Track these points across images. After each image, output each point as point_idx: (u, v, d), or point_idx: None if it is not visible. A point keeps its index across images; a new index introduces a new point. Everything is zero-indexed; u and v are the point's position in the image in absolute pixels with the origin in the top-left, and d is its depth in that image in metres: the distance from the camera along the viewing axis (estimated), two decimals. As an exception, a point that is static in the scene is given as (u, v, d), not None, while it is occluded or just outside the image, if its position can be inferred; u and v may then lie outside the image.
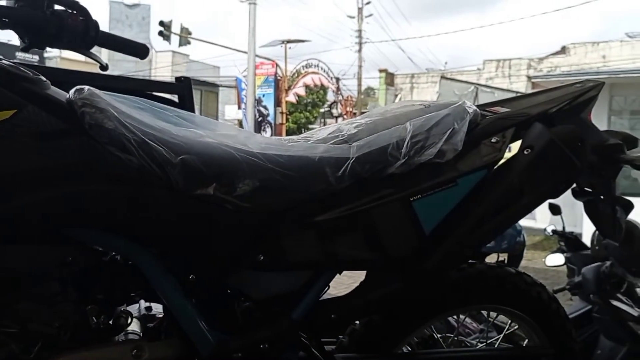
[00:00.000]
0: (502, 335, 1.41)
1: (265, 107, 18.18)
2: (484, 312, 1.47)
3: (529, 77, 14.34)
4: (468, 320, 2.10)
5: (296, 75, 19.24)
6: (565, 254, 3.40)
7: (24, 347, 0.97)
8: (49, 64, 16.57)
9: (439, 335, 1.37)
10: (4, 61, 0.95)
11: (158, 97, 1.61)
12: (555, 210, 3.47)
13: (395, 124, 1.09)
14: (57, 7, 1.18)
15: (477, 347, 1.46)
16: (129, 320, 1.08)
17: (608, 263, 2.73)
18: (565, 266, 3.41)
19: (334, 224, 1.05)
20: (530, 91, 1.56)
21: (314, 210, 1.04)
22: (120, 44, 1.32)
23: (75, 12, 1.19)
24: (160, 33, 16.33)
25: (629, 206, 1.28)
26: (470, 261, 1.27)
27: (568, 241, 3.44)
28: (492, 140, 1.13)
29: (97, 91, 0.98)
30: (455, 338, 1.41)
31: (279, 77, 18.36)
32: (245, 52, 16.40)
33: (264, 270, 1.06)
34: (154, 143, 0.96)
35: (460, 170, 1.09)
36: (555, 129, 1.14)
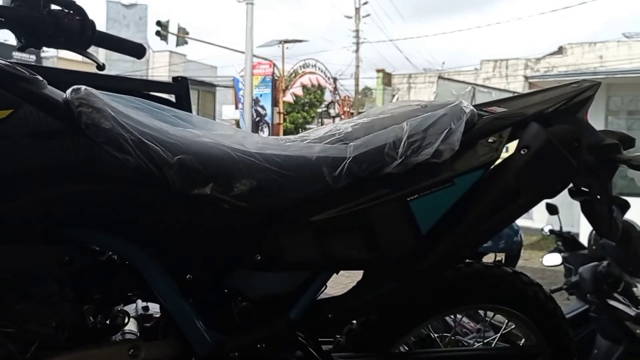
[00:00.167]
0: (499, 335, 1.42)
1: (262, 107, 18.17)
2: (481, 312, 1.48)
3: (526, 78, 14.36)
4: (465, 319, 2.11)
5: (293, 75, 19.24)
6: (562, 254, 3.41)
7: (21, 347, 0.97)
8: (46, 63, 16.54)
9: (436, 335, 1.37)
10: (0, 61, 0.95)
11: (155, 97, 1.60)
12: (552, 210, 3.47)
13: (392, 123, 1.09)
14: (53, 6, 1.18)
15: (474, 346, 1.47)
16: (126, 320, 1.08)
17: (605, 263, 2.74)
18: (562, 266, 3.42)
19: (331, 224, 1.05)
20: (527, 91, 1.56)
21: (311, 210, 1.04)
22: (117, 44, 1.32)
23: (71, 11, 1.19)
24: (158, 33, 16.31)
25: (626, 206, 1.29)
26: (467, 261, 1.27)
27: (565, 241, 3.45)
28: (489, 140, 1.13)
29: (94, 91, 0.98)
30: (453, 337, 1.41)
31: (276, 77, 18.35)
32: (242, 52, 16.38)
33: (261, 270, 1.06)
34: (151, 143, 0.96)
35: (457, 170, 1.09)
36: (552, 128, 1.14)
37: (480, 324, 1.91)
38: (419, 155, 1.06)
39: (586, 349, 2.76)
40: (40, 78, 0.98)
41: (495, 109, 1.20)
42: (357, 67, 23.68)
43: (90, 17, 1.23)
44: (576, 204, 1.28)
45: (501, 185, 1.10)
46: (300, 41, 20.20)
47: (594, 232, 2.85)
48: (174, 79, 1.75)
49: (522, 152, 1.11)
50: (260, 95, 18.06)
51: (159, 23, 16.36)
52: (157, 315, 1.14)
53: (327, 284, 1.14)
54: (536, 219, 7.45)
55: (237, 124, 16.85)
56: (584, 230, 4.97)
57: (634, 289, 2.74)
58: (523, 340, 1.39)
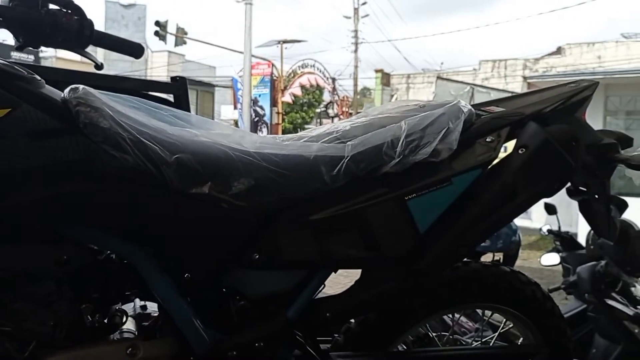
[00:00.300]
0: (497, 334, 1.42)
1: (261, 107, 18.16)
2: (479, 311, 1.48)
3: (525, 78, 14.37)
4: (463, 319, 2.11)
5: (292, 75, 19.23)
6: (560, 254, 3.41)
7: (19, 346, 0.96)
8: (44, 64, 16.52)
9: (434, 334, 1.37)
10: (-2, 60, 0.95)
11: (154, 96, 1.60)
12: (550, 210, 3.47)
13: (390, 123, 1.10)
14: (51, 6, 1.18)
15: (472, 345, 1.47)
16: (124, 319, 1.08)
17: (603, 262, 2.74)
18: (560, 266, 3.42)
19: (329, 223, 1.05)
20: (525, 91, 1.57)
21: (309, 209, 1.04)
22: (115, 43, 1.32)
23: (69, 11, 1.19)
24: (156, 33, 16.30)
25: (623, 205, 1.29)
26: (465, 260, 1.27)
27: (563, 241, 3.45)
28: (487, 140, 1.13)
29: (92, 90, 0.98)
30: (451, 337, 1.41)
31: (275, 77, 18.34)
32: (241, 52, 16.38)
33: (259, 269, 1.07)
34: (149, 142, 0.96)
35: (455, 170, 1.09)
36: (550, 128, 1.14)
37: (478, 323, 1.91)
38: (417, 154, 1.06)
39: (584, 348, 2.76)
40: (38, 77, 0.98)
41: (494, 109, 1.20)
42: (356, 67, 23.70)
43: (89, 16, 1.23)
44: (575, 204, 1.28)
45: (499, 184, 1.10)
46: (299, 41, 20.19)
47: (592, 231, 2.85)
48: (173, 78, 1.75)
49: (520, 151, 1.12)
50: (259, 96, 18.05)
51: (157, 23, 16.35)
52: (155, 315, 1.14)
53: (326, 284, 1.14)
54: (535, 218, 7.46)
55: (236, 124, 16.84)
56: (582, 230, 4.97)
57: (632, 289, 2.75)
58: (521, 339, 1.40)
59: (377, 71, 19.16)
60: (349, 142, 1.07)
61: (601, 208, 1.23)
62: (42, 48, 1.24)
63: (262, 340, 1.08)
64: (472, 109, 1.16)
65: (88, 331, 1.03)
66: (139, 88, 1.69)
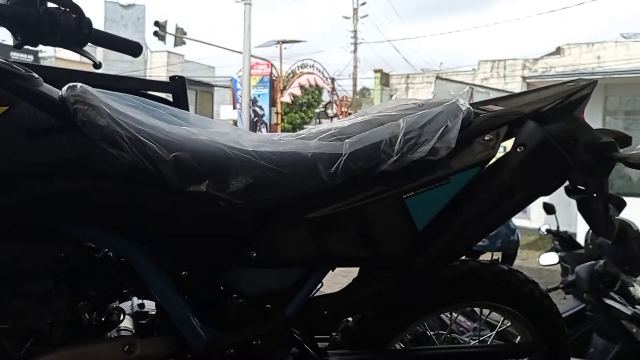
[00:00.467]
0: (494, 333, 1.42)
1: (260, 107, 18.16)
2: (477, 310, 1.48)
3: (524, 78, 14.37)
4: (462, 318, 2.11)
5: (291, 75, 19.23)
6: (559, 253, 3.42)
7: (16, 344, 0.96)
8: (44, 64, 16.51)
9: (431, 333, 1.37)
10: (-4, 58, 0.95)
11: (152, 96, 1.60)
12: (549, 209, 3.48)
13: (388, 121, 1.10)
14: (50, 4, 1.18)
15: (470, 344, 1.47)
16: (122, 317, 1.08)
17: (602, 262, 2.75)
18: (559, 265, 3.43)
19: (326, 221, 1.05)
20: (524, 90, 1.57)
21: (307, 207, 1.04)
22: (113, 42, 1.31)
23: (68, 9, 1.19)
24: (156, 33, 16.30)
25: (622, 204, 1.30)
26: (463, 258, 1.28)
27: (562, 240, 3.46)
28: (485, 138, 1.13)
29: (90, 88, 0.98)
30: (448, 335, 1.41)
31: (274, 78, 18.33)
32: (240, 53, 16.38)
33: (257, 267, 1.06)
34: (147, 140, 0.96)
35: (453, 168, 1.09)
36: (548, 127, 1.14)
37: (476, 322, 1.91)
38: (415, 152, 1.06)
39: (582, 347, 2.77)
40: (36, 75, 0.98)
41: (492, 107, 1.20)
42: (355, 67, 23.70)
43: (87, 15, 1.23)
44: (573, 204, 1.28)
45: (497, 182, 1.10)
46: (298, 41, 20.19)
47: (590, 231, 2.86)
48: (171, 78, 1.75)
49: (518, 150, 1.12)
50: (258, 96, 18.05)
51: (156, 23, 16.35)
52: (153, 313, 1.14)
53: (325, 283, 1.14)
54: (533, 218, 7.47)
55: (235, 124, 16.82)
56: (581, 230, 4.98)
57: (630, 288, 2.75)
58: (519, 337, 1.40)
59: (376, 71, 19.16)
60: (346, 140, 1.07)
61: (599, 207, 1.23)
62: (42, 48, 1.24)
63: (259, 339, 1.08)
64: (471, 108, 1.16)
65: (85, 329, 1.02)
66: (137, 87, 1.69)
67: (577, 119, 1.20)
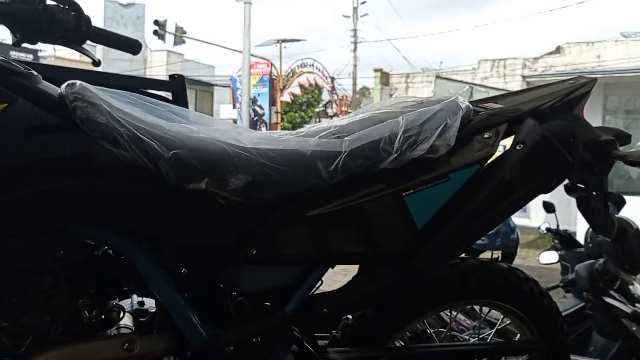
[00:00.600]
0: (494, 330, 1.42)
1: (260, 107, 18.16)
2: (477, 308, 1.48)
3: (524, 77, 14.36)
4: (461, 317, 2.11)
5: (291, 74, 19.23)
6: (559, 252, 3.42)
7: (16, 341, 0.96)
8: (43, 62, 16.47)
9: (431, 331, 1.37)
10: (-5, 55, 0.94)
11: (152, 94, 1.60)
12: (549, 208, 3.48)
13: (388, 118, 1.10)
14: (48, 2, 1.18)
15: (470, 341, 1.47)
16: (121, 315, 1.08)
17: (601, 260, 2.75)
18: (559, 264, 3.43)
19: (326, 219, 1.05)
20: (523, 88, 1.57)
21: (306, 204, 1.04)
22: (112, 39, 1.31)
23: (66, 7, 1.19)
24: (155, 32, 16.29)
25: (621, 202, 1.29)
26: (462, 256, 1.27)
27: (562, 239, 3.46)
28: (485, 136, 1.13)
29: (89, 86, 0.98)
30: (448, 333, 1.41)
31: (273, 77, 18.34)
32: (240, 52, 16.37)
33: (257, 265, 1.06)
34: (146, 137, 0.96)
35: (452, 166, 1.09)
36: (548, 124, 1.14)
37: (476, 321, 1.92)
38: (414, 150, 1.06)
39: (582, 346, 2.77)
40: (35, 73, 0.98)
41: (492, 105, 1.20)
42: (355, 66, 23.69)
43: (86, 12, 1.23)
44: (573, 203, 1.28)
45: (497, 180, 1.10)
46: (297, 40, 20.20)
47: (590, 230, 2.86)
48: (171, 76, 1.75)
49: (517, 147, 1.12)
50: (258, 95, 18.05)
51: (156, 22, 16.35)
52: (153, 310, 1.14)
53: (325, 282, 1.15)
54: (533, 217, 7.47)
55: (235, 123, 16.81)
56: (580, 229, 4.98)
57: (630, 287, 2.75)
58: (518, 335, 1.40)
59: (376, 70, 19.13)
60: (346, 138, 1.07)
61: (599, 205, 1.23)
62: (41, 47, 1.25)
63: (259, 336, 1.08)
64: (470, 106, 1.16)
65: (85, 327, 1.02)
66: (137, 86, 1.69)
67: (576, 117, 1.20)
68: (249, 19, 15.38)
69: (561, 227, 3.50)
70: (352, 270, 1.16)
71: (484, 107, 1.19)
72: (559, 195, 1.25)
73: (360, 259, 1.11)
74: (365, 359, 1.22)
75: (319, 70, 19.76)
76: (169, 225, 1.01)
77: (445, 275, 1.25)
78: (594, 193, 1.23)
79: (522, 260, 5.99)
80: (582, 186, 1.24)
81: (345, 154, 1.04)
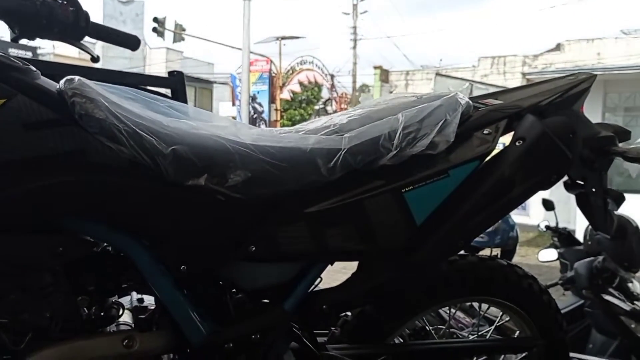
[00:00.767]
0: (493, 327, 1.42)
1: (259, 104, 18.16)
2: (476, 305, 1.48)
3: (524, 74, 14.35)
4: (460, 314, 2.12)
5: (291, 72, 19.22)
6: (558, 250, 3.42)
7: (15, 338, 0.96)
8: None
9: (430, 328, 1.37)
10: (-7, 52, 0.94)
11: (151, 91, 1.60)
12: (548, 205, 3.48)
13: (387, 115, 1.09)
14: (47, -3, 1.17)
15: (469, 338, 1.47)
16: (121, 312, 1.08)
17: (600, 258, 2.75)
18: (558, 262, 3.43)
19: (325, 215, 1.04)
20: (523, 84, 1.57)
21: (306, 201, 1.04)
22: (111, 35, 1.31)
23: (65, 2, 1.18)
24: (154, 29, 16.28)
25: (620, 199, 1.29)
26: (462, 253, 1.27)
27: (561, 237, 3.46)
28: (484, 132, 1.13)
29: (88, 81, 0.97)
30: (447, 330, 1.41)
31: (273, 74, 18.33)
32: (239, 49, 16.35)
33: (256, 261, 1.06)
34: (145, 133, 0.95)
35: (452, 162, 1.09)
36: (547, 120, 1.14)
37: (475, 318, 1.92)
38: (414, 146, 1.06)
39: (581, 343, 2.77)
40: (34, 68, 0.97)
41: (491, 101, 1.20)
42: (355, 63, 23.66)
43: (84, 8, 1.23)
44: (573, 201, 1.28)
45: (496, 176, 1.10)
46: (297, 37, 20.19)
47: (589, 227, 2.86)
48: (170, 73, 1.74)
49: (517, 143, 1.12)
50: (258, 92, 18.05)
51: (155, 20, 16.33)
52: (152, 307, 1.14)
53: (325, 280, 1.14)
54: (533, 215, 7.47)
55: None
56: (580, 227, 4.98)
57: (629, 284, 2.76)
58: (517, 332, 1.40)
59: (375, 68, 19.11)
60: (345, 135, 1.06)
61: (598, 201, 1.23)
62: (40, 44, 1.24)
63: (258, 333, 1.08)
64: (470, 102, 1.16)
65: (84, 323, 1.02)
66: (136, 82, 1.69)
67: (576, 113, 1.20)
68: (249, 16, 15.36)
69: (560, 225, 3.50)
70: (351, 267, 1.16)
71: (484, 103, 1.19)
72: (558, 192, 1.25)
73: (359, 255, 1.11)
74: (364, 355, 1.22)
75: (319, 67, 19.76)
76: (168, 222, 1.01)
77: (445, 272, 1.25)
78: (594, 190, 1.23)
79: (522, 258, 5.99)
80: (582, 183, 1.24)
81: (345, 150, 1.04)
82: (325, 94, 21.43)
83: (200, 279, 1.06)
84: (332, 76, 20.71)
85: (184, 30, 17.72)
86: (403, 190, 1.06)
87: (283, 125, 18.44)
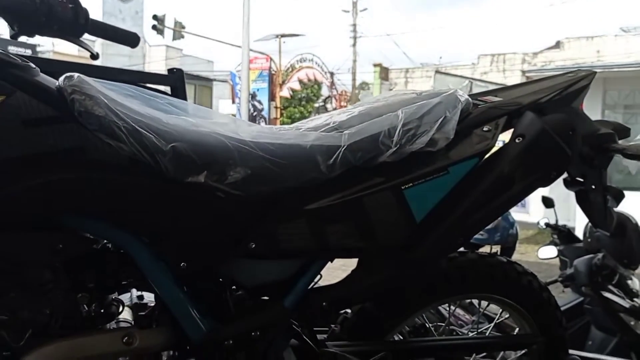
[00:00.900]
0: (492, 324, 1.42)
1: (259, 102, 18.14)
2: (475, 302, 1.48)
3: (524, 72, 14.35)
4: (460, 311, 2.12)
5: (290, 69, 19.20)
6: (557, 247, 3.42)
7: (15, 335, 0.96)
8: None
9: (430, 325, 1.37)
10: (-8, 48, 0.94)
11: (151, 88, 1.60)
12: (548, 203, 3.48)
13: (387, 112, 1.09)
14: (46, -6, 1.17)
15: (468, 335, 1.47)
16: (120, 309, 1.08)
17: (600, 255, 2.75)
18: (557, 259, 3.43)
19: (325, 212, 1.04)
20: (523, 81, 1.57)
21: (305, 198, 1.04)
22: (110, 32, 1.31)
23: (64, -1, 1.18)
24: (154, 27, 16.25)
25: (620, 196, 1.29)
26: (461, 250, 1.27)
27: (561, 234, 3.46)
28: (484, 129, 1.13)
29: (87, 78, 0.97)
30: (447, 327, 1.41)
31: (273, 72, 18.31)
32: (239, 47, 16.33)
33: (256, 258, 1.06)
34: (145, 130, 0.95)
35: (451, 159, 1.09)
36: (547, 117, 1.14)
37: (475, 315, 1.92)
38: (413, 143, 1.06)
39: (581, 340, 2.78)
40: (33, 65, 0.97)
41: (491, 99, 1.20)
42: (354, 61, 23.66)
43: (83, 5, 1.22)
44: (572, 198, 1.28)
45: (496, 173, 1.10)
46: (297, 35, 20.17)
47: (589, 224, 2.86)
48: (169, 70, 1.74)
49: (517, 140, 1.11)
50: (257, 90, 18.02)
51: (155, 17, 16.30)
52: (152, 304, 1.14)
53: (325, 277, 1.14)
54: (532, 212, 7.47)
55: (234, 118, 16.74)
56: (580, 224, 4.98)
57: (629, 281, 2.76)
58: (517, 329, 1.40)
59: (375, 65, 19.10)
60: (345, 132, 1.06)
61: (598, 198, 1.23)
62: (40, 42, 1.24)
63: (258, 330, 1.08)
64: (469, 99, 1.16)
65: (84, 320, 1.02)
66: (136, 80, 1.68)
67: (575, 110, 1.20)
68: (248, 14, 15.33)
69: (560, 222, 3.50)
70: (351, 264, 1.16)
71: (483, 100, 1.19)
72: (558, 190, 1.25)
73: (359, 252, 1.11)
74: (364, 352, 1.22)
75: (318, 65, 19.72)
76: (168, 219, 1.01)
77: (444, 269, 1.25)
78: (593, 187, 1.23)
79: (521, 255, 6.00)
80: (581, 180, 1.24)
81: (345, 147, 1.04)
82: (325, 91, 21.41)
83: (200, 276, 1.06)
84: (332, 74, 20.69)
85: (183, 27, 17.68)
86: (403, 187, 1.06)
87: (283, 123, 18.42)
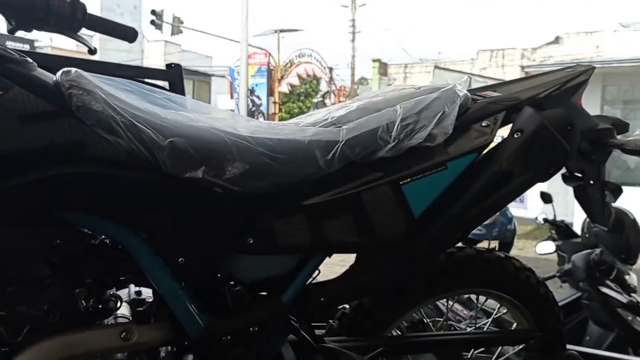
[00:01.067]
0: (490, 320, 1.42)
1: (258, 97, 18.12)
2: (473, 297, 1.48)
3: (523, 67, 14.33)
4: (458, 307, 2.12)
5: (289, 65, 19.17)
6: (556, 242, 3.43)
7: (12, 330, 0.96)
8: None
9: (428, 320, 1.37)
10: (-11, 43, 0.93)
11: (149, 84, 1.59)
12: (546, 198, 3.49)
13: (385, 107, 1.09)
14: (43, -12, 1.16)
15: (466, 331, 1.47)
16: (119, 304, 1.07)
17: (598, 250, 2.76)
18: (555, 254, 3.44)
19: (323, 208, 1.04)
20: (522, 77, 1.57)
21: (304, 193, 1.04)
22: (108, 27, 1.30)
23: (62, -6, 1.17)
24: (153, 22, 16.21)
25: (618, 191, 1.29)
26: (459, 245, 1.27)
27: (559, 229, 3.47)
28: (483, 124, 1.13)
29: (85, 73, 0.97)
30: (445, 323, 1.41)
31: (271, 67, 18.28)
32: (238, 42, 16.29)
33: (254, 254, 1.06)
34: (143, 125, 0.95)
35: (450, 154, 1.08)
36: (546, 112, 1.14)
37: (473, 311, 1.92)
38: (412, 138, 1.06)
39: (578, 335, 2.78)
40: (30, 60, 0.97)
41: (490, 94, 1.20)
42: (353, 57, 23.62)
43: (81, 0, 1.22)
44: (571, 193, 1.28)
45: (494, 168, 1.10)
46: (295, 30, 20.14)
47: (587, 220, 2.87)
48: (168, 65, 1.74)
49: (515, 135, 1.11)
50: (256, 85, 18.00)
51: (153, 12, 16.28)
52: (150, 300, 1.14)
53: (323, 273, 1.14)
54: (530, 207, 7.47)
55: (233, 113, 16.73)
56: (578, 220, 4.98)
57: (626, 277, 2.77)
58: (514, 324, 1.40)
59: (374, 61, 19.06)
60: (343, 127, 1.06)
61: (596, 194, 1.23)
62: (37, 37, 1.23)
63: (256, 325, 1.08)
64: (468, 94, 1.16)
65: (82, 316, 1.02)
66: (134, 75, 1.68)
67: (574, 105, 1.20)
68: (247, 9, 15.29)
69: (558, 218, 3.51)
70: (349, 260, 1.16)
71: (482, 96, 1.19)
72: (556, 185, 1.25)
73: (357, 247, 1.11)
74: (362, 348, 1.22)
75: (317, 60, 19.71)
76: (166, 214, 1.01)
77: (442, 264, 1.25)
78: (592, 182, 1.23)
79: (519, 251, 6.01)
80: (580, 175, 1.24)
81: (343, 142, 1.03)
82: (323, 87, 21.40)
83: (198, 271, 1.06)
84: (331, 69, 20.68)
85: (182, 23, 17.64)
86: (401, 183, 1.06)
87: (281, 119, 18.42)
